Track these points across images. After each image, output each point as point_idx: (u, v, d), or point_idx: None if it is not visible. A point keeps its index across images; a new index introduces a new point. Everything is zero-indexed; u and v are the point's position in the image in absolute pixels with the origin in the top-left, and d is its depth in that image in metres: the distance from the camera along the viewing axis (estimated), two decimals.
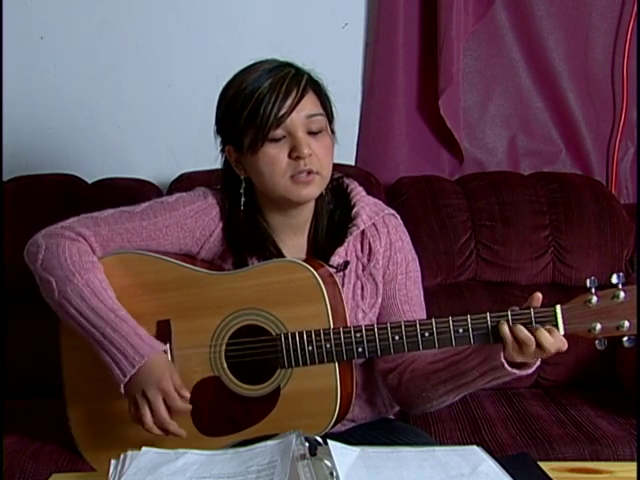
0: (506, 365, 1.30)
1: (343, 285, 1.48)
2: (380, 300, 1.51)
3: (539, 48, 2.37)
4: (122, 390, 1.38)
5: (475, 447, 1.16)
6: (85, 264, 1.43)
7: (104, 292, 1.42)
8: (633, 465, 1.16)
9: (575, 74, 2.38)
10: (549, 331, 1.27)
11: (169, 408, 1.37)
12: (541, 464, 1.14)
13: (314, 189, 1.42)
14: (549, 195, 2.18)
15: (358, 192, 1.53)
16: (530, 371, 1.32)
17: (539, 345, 1.27)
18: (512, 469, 1.07)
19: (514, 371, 1.31)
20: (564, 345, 1.28)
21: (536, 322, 1.28)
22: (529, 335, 1.27)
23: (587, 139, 2.40)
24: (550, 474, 1.10)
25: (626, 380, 1.98)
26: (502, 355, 1.29)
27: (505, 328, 1.28)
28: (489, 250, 2.13)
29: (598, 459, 1.63)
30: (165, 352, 1.41)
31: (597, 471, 1.19)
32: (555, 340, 1.27)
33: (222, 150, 1.50)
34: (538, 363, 1.32)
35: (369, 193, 1.57)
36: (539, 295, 1.31)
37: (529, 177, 2.26)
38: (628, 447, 1.66)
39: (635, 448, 1.63)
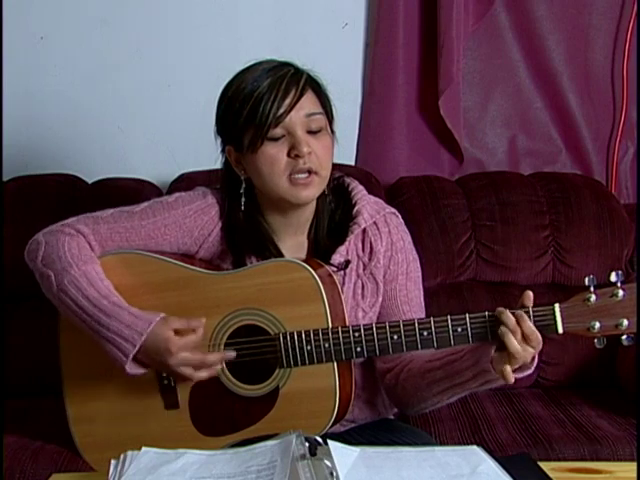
0: (492, 370, 1.29)
1: (344, 284, 1.48)
2: (380, 299, 1.51)
3: (539, 48, 2.37)
4: (128, 372, 1.38)
5: (475, 447, 1.16)
6: (83, 257, 1.43)
7: (100, 282, 1.42)
8: (633, 465, 1.16)
9: (575, 74, 2.38)
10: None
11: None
12: (541, 464, 1.14)
13: (313, 191, 1.42)
14: (549, 195, 2.17)
15: (359, 191, 1.53)
16: (519, 376, 1.31)
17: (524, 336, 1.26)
18: (512, 469, 1.07)
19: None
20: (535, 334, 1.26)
21: (535, 321, 1.28)
22: (534, 329, 1.26)
23: (587, 139, 2.40)
24: (550, 474, 1.10)
25: (626, 380, 1.98)
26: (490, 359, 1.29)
27: (510, 318, 1.26)
28: (489, 250, 2.13)
29: (598, 459, 1.63)
30: (161, 319, 1.39)
31: (597, 471, 1.19)
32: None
33: (222, 151, 1.50)
34: (530, 371, 1.31)
35: (369, 193, 1.57)
36: (530, 293, 1.30)
37: (529, 177, 2.26)
38: (628, 447, 1.66)
39: (635, 448, 1.63)
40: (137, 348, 1.36)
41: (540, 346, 1.27)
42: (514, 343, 1.25)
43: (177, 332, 1.38)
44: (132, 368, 1.39)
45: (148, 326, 1.36)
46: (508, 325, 1.26)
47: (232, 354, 1.40)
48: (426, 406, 1.46)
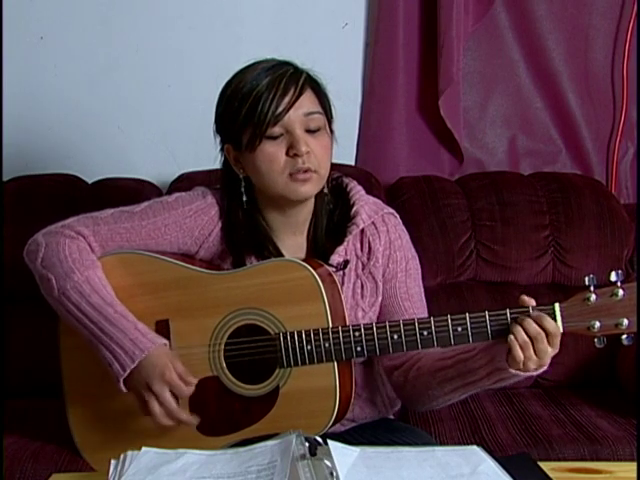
0: (509, 368, 1.29)
1: (343, 284, 1.48)
2: (380, 299, 1.51)
3: (539, 48, 2.37)
4: (121, 385, 1.37)
5: (475, 447, 1.16)
6: (85, 261, 1.43)
7: (103, 289, 1.42)
8: (633, 465, 1.16)
9: (575, 74, 2.38)
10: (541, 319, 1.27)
11: (176, 398, 1.37)
12: (541, 464, 1.14)
13: (311, 187, 1.42)
14: (549, 195, 2.17)
15: (357, 191, 1.53)
16: (535, 373, 1.31)
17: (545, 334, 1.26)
18: (512, 469, 1.07)
19: (518, 372, 1.30)
20: (557, 330, 1.27)
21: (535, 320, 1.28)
22: (539, 329, 1.26)
23: (587, 139, 2.40)
24: (550, 474, 1.10)
25: (626, 380, 1.97)
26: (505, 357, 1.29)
27: (520, 329, 1.27)
28: (489, 250, 2.13)
29: (598, 459, 1.63)
30: (165, 345, 1.40)
31: (597, 471, 1.19)
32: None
33: (221, 149, 1.50)
34: (546, 367, 1.31)
35: (369, 193, 1.57)
36: (526, 298, 1.30)
37: (529, 177, 2.26)
38: (628, 447, 1.66)
39: (635, 448, 1.63)
40: (135, 364, 1.36)
41: (554, 330, 1.27)
42: (517, 355, 1.27)
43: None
44: (122, 385, 1.38)
45: (151, 346, 1.37)
46: (529, 331, 1.26)
47: (194, 421, 1.39)
48: (438, 403, 1.46)
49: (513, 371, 1.30)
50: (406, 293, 1.52)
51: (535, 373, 1.31)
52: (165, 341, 1.40)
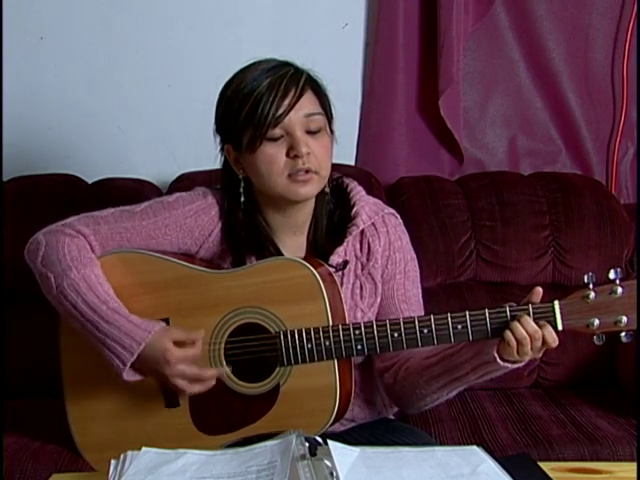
0: (498, 359, 1.30)
1: (342, 285, 1.48)
2: (379, 299, 1.51)
3: (539, 48, 2.37)
4: (125, 380, 1.38)
5: (475, 447, 1.17)
6: (83, 259, 1.43)
7: (99, 287, 1.42)
8: (633, 465, 1.16)
9: (575, 74, 2.38)
10: (543, 327, 1.28)
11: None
12: (541, 464, 1.14)
13: (312, 188, 1.42)
14: (549, 195, 2.17)
15: (358, 192, 1.53)
16: (522, 364, 1.33)
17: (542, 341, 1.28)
18: (512, 469, 1.07)
19: (506, 365, 1.31)
20: (555, 342, 1.29)
21: (535, 318, 1.28)
22: (537, 328, 1.27)
23: (587, 139, 2.40)
24: (550, 474, 1.10)
25: (626, 380, 1.97)
26: (495, 349, 1.30)
27: (518, 325, 1.27)
28: (489, 250, 2.13)
29: (598, 459, 1.63)
30: (161, 327, 1.40)
31: (597, 471, 1.19)
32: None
33: (221, 149, 1.50)
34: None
35: (369, 193, 1.57)
36: (539, 289, 1.31)
37: (529, 177, 2.26)
38: (628, 447, 1.66)
39: (635, 448, 1.63)
40: (135, 357, 1.36)
41: (553, 341, 1.29)
42: (512, 351, 1.28)
43: (176, 343, 1.38)
44: (129, 375, 1.39)
45: (147, 335, 1.37)
46: (528, 330, 1.27)
47: (226, 370, 1.41)
48: (426, 403, 1.46)
49: (502, 363, 1.31)
50: (404, 295, 1.52)
51: (522, 364, 1.32)
52: (159, 323, 1.40)
